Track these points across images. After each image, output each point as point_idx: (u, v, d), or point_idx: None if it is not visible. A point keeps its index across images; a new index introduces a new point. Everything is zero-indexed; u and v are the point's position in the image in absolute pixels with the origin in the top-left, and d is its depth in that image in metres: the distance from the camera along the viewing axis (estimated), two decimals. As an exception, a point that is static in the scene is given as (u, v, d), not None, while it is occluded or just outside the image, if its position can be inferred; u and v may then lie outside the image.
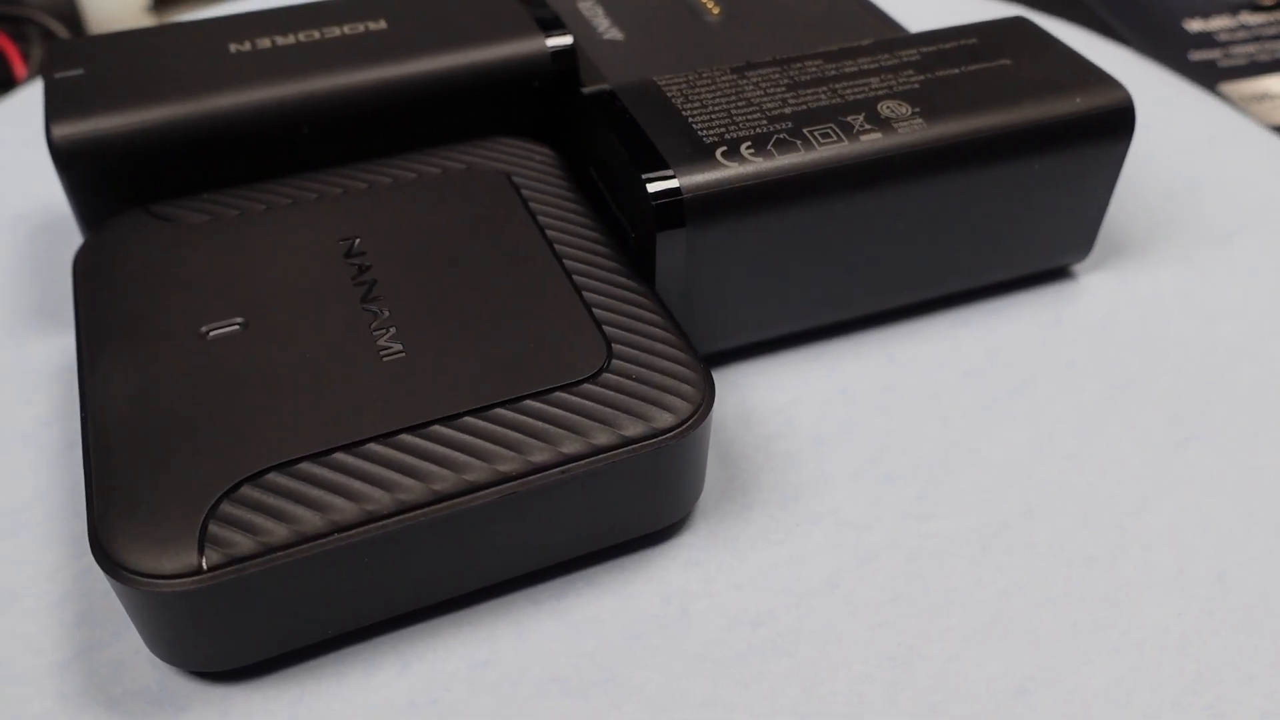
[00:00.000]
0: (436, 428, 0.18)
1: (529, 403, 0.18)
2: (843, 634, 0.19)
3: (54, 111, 0.22)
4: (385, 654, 0.18)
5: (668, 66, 0.25)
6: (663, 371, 0.19)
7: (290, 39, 0.24)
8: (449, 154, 0.23)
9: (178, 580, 0.16)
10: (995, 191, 0.23)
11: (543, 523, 0.18)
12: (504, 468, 0.17)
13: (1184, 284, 0.26)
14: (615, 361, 0.19)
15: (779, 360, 0.24)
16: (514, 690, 0.18)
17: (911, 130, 0.22)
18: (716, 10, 0.28)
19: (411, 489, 0.17)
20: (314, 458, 0.17)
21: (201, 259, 0.21)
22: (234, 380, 0.18)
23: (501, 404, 0.18)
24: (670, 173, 0.20)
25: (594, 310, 0.20)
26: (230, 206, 0.22)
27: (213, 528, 0.16)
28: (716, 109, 0.22)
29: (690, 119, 0.22)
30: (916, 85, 0.23)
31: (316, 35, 0.24)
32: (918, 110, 0.22)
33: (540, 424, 0.18)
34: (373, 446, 0.17)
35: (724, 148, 0.21)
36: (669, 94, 0.22)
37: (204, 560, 0.16)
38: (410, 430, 0.18)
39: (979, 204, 0.23)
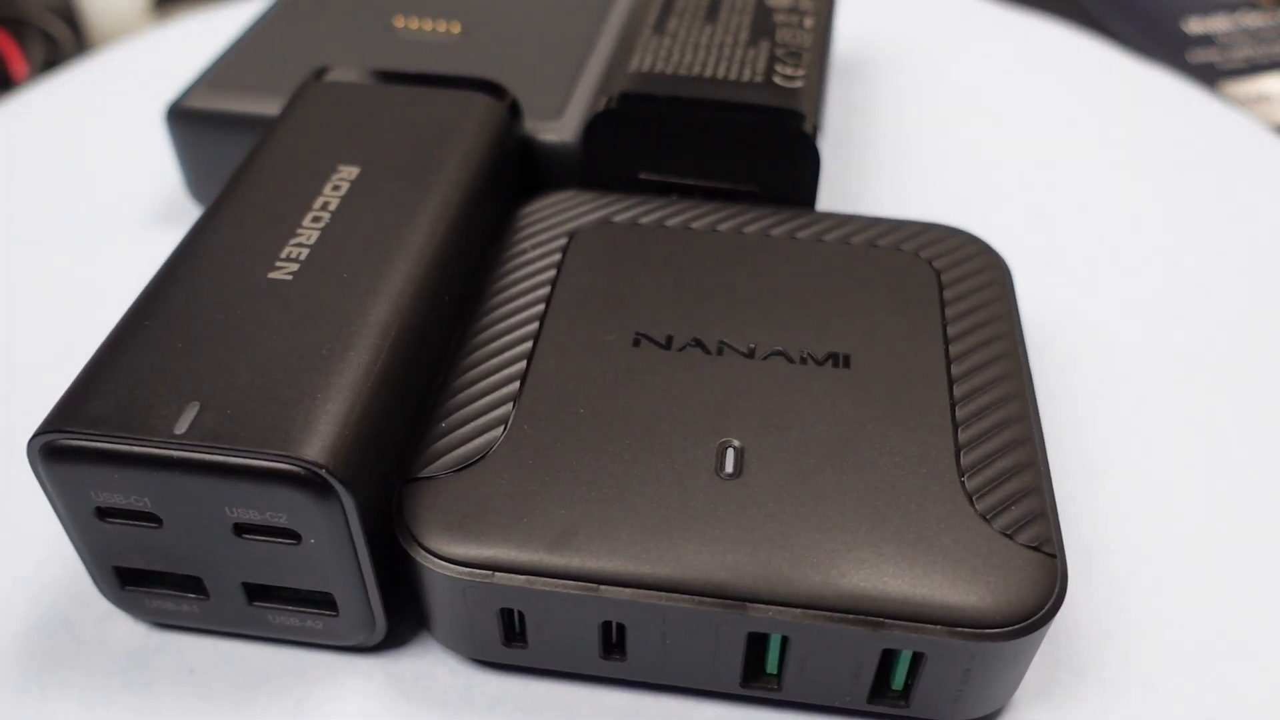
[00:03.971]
0: (961, 384, 0.19)
1: (959, 325, 0.20)
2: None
3: (245, 441, 0.15)
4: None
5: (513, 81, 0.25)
6: (958, 245, 0.21)
7: (313, 232, 0.19)
8: (537, 241, 0.21)
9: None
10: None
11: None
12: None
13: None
14: (939, 272, 0.21)
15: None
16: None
17: (809, 4, 0.26)
18: (457, 29, 0.28)
19: (1018, 422, 0.18)
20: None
21: (564, 457, 0.17)
22: (811, 483, 0.17)
23: (948, 342, 0.19)
24: (794, 109, 0.22)
25: (854, 244, 0.21)
26: (471, 419, 0.18)
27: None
28: (707, 60, 0.24)
29: (711, 76, 0.23)
30: (756, -19, 0.27)
31: (325, 217, 0.19)
32: (791, -9, 0.26)
33: (982, 332, 0.20)
34: (964, 457, 0.18)
35: (776, 77, 0.23)
36: (662, 70, 0.23)
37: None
38: (961, 400, 0.18)
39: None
